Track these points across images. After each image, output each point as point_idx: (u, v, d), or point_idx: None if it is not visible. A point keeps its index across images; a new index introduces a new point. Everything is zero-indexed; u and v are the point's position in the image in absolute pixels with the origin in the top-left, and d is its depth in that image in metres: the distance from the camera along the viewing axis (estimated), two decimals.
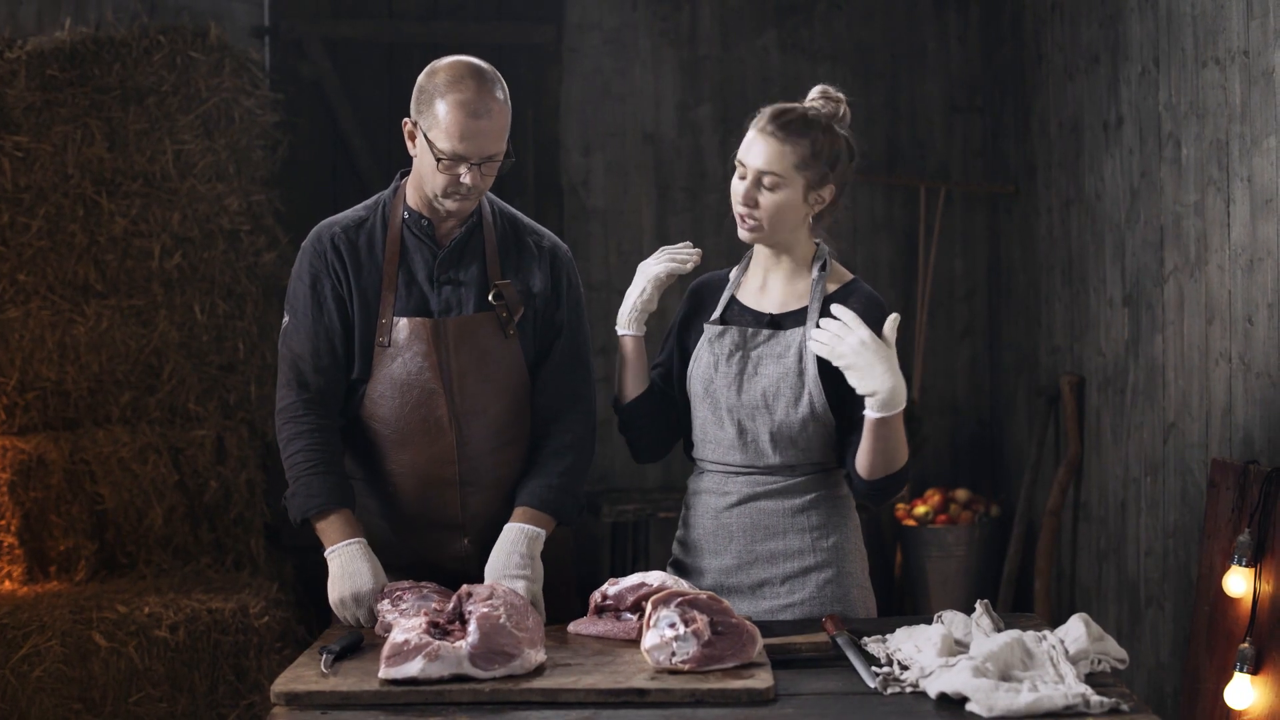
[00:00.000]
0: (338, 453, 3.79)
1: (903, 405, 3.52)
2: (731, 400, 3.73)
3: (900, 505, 7.54)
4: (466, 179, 3.65)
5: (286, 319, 3.83)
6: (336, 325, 3.78)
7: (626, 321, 3.81)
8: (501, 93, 3.68)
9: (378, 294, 3.78)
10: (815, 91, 3.78)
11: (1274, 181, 4.79)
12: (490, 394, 3.81)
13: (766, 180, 3.66)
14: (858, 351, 3.48)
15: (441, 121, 3.62)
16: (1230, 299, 5.14)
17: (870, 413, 3.51)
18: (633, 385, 3.85)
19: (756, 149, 3.67)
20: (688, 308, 3.93)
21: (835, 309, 3.56)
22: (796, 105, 3.74)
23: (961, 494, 7.55)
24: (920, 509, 7.46)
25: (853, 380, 3.50)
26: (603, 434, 7.64)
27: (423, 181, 3.74)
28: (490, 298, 3.79)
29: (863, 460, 3.61)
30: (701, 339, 3.81)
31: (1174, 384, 5.66)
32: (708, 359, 3.78)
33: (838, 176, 3.71)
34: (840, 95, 3.77)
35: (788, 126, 3.67)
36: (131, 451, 6.34)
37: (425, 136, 3.66)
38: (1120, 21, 6.11)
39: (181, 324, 6.58)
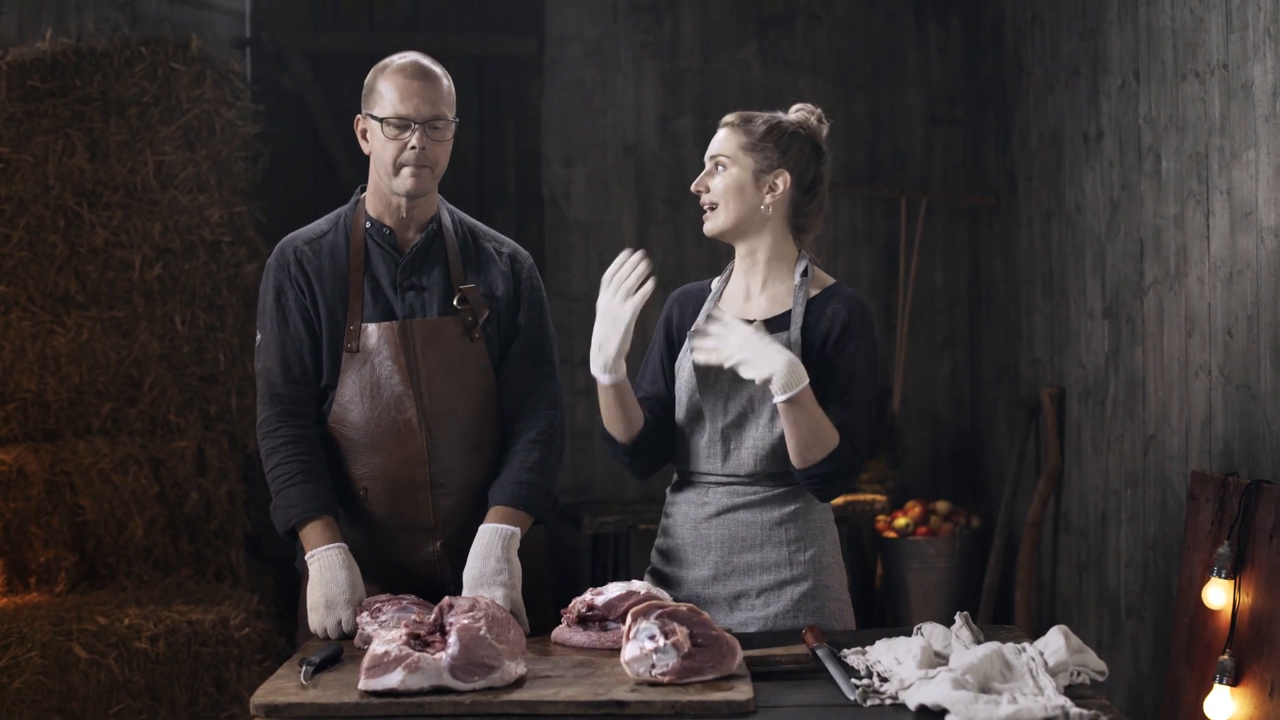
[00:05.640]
0: (317, 460, 3.81)
1: (804, 381, 3.52)
2: (715, 411, 3.75)
3: (881, 517, 7.55)
4: (415, 142, 3.74)
5: (259, 336, 3.87)
6: (303, 335, 3.83)
7: (610, 366, 3.67)
8: (441, 70, 3.84)
9: (343, 302, 3.83)
10: (796, 105, 3.86)
11: (1253, 194, 4.80)
12: (458, 396, 3.84)
13: (718, 163, 3.78)
14: (743, 346, 3.53)
15: (385, 93, 3.77)
16: (1210, 311, 5.16)
17: (777, 397, 3.53)
18: (626, 425, 3.79)
19: (714, 139, 3.82)
20: (669, 318, 3.96)
21: (712, 311, 3.66)
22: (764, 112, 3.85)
23: (942, 506, 7.55)
24: (901, 521, 7.46)
25: (747, 373, 3.53)
26: (583, 445, 7.63)
27: (378, 170, 3.83)
28: (455, 301, 3.84)
29: (791, 448, 3.62)
30: (684, 349, 3.84)
31: (1154, 396, 5.67)
32: (691, 369, 3.79)
33: (792, 165, 3.76)
34: (818, 111, 3.85)
35: (741, 117, 3.81)
36: (112, 463, 6.33)
37: (372, 116, 3.79)
38: (1100, 34, 6.13)
39: (162, 335, 6.57)
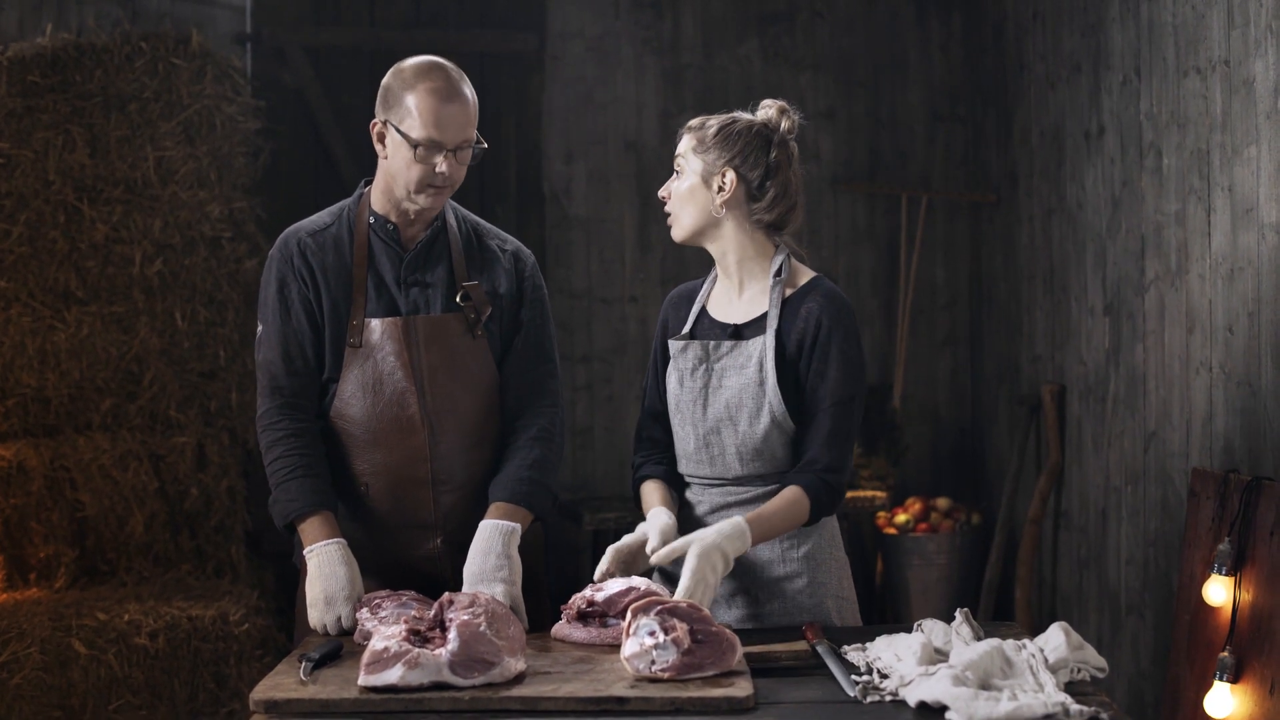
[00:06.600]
0: (317, 455, 3.80)
1: (746, 539, 3.52)
2: (697, 415, 3.74)
3: (881, 514, 7.55)
4: (443, 167, 3.71)
5: (260, 328, 3.85)
6: (305, 328, 3.81)
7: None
8: (468, 85, 3.78)
9: (347, 297, 3.81)
10: (766, 101, 3.86)
11: (1255, 191, 4.80)
12: (460, 392, 3.83)
13: (676, 168, 3.83)
14: (706, 584, 3.47)
15: (414, 111, 3.68)
16: (1211, 308, 5.15)
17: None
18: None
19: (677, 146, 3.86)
20: (664, 322, 3.95)
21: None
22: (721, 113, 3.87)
23: (942, 502, 7.55)
24: (901, 517, 7.46)
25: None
26: (583, 442, 7.63)
27: (395, 180, 3.77)
28: (458, 298, 3.83)
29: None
30: (669, 361, 3.84)
31: (1155, 393, 5.67)
32: (675, 375, 3.80)
33: (739, 163, 3.73)
34: (780, 103, 3.83)
35: (698, 120, 3.85)
36: (112, 458, 6.33)
37: (398, 130, 3.70)
38: (1102, 31, 6.12)
39: (162, 331, 6.57)
